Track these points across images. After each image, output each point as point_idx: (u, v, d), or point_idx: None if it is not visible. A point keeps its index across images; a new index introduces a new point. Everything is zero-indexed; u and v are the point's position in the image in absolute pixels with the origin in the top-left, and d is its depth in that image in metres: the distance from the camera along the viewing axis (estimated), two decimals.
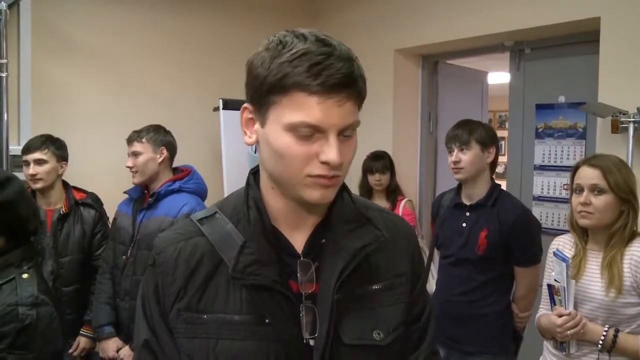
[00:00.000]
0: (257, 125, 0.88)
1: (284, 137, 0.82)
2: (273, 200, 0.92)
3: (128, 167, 2.43)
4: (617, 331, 1.71)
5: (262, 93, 0.83)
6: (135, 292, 2.30)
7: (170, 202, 2.37)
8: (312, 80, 0.79)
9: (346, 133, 0.84)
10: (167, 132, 2.52)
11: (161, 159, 2.44)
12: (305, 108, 0.80)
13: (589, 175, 1.78)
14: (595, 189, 1.76)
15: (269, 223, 0.91)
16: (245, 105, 0.89)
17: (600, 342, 1.70)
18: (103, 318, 2.44)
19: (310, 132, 0.82)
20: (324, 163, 0.82)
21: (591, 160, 1.83)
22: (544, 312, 1.93)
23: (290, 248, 0.92)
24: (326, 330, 0.87)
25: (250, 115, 0.89)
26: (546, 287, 1.89)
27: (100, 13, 3.29)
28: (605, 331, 1.71)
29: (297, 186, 0.85)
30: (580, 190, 1.80)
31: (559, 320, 1.75)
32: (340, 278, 0.88)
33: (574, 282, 1.77)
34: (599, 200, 1.75)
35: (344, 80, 0.80)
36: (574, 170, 1.86)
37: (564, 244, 1.93)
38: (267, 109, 0.84)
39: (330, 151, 0.81)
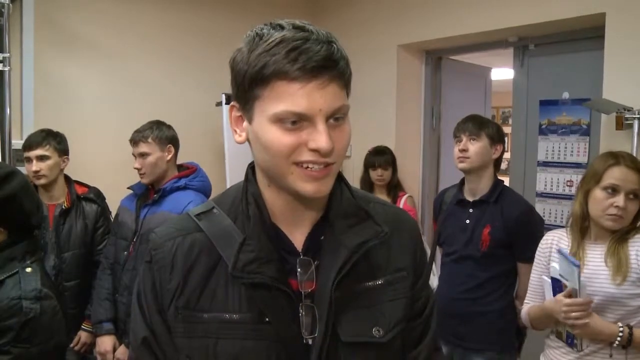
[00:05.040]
0: (245, 123, 0.86)
1: (271, 129, 0.80)
2: (271, 197, 0.90)
3: (136, 168, 2.40)
4: (630, 327, 1.66)
5: (245, 88, 0.82)
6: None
7: (175, 198, 2.35)
8: (291, 66, 0.77)
9: (337, 116, 0.81)
10: (169, 127, 2.49)
11: (169, 156, 2.42)
12: (288, 96, 0.78)
13: (629, 178, 1.69)
14: (633, 193, 1.69)
15: (269, 220, 0.89)
16: (232, 103, 0.87)
17: (618, 341, 1.66)
18: (102, 314, 2.44)
19: (296, 121, 0.79)
20: (314, 151, 0.80)
21: (626, 160, 1.72)
22: (535, 304, 1.90)
23: (290, 245, 0.90)
24: (324, 329, 0.85)
25: (238, 114, 0.87)
26: (537, 282, 1.87)
27: (103, 7, 3.28)
28: (620, 330, 1.66)
29: (288, 178, 0.82)
30: (613, 190, 1.71)
31: (567, 300, 1.66)
32: (338, 276, 0.86)
33: (585, 282, 1.71)
34: (633, 206, 1.69)
35: (324, 62, 0.78)
36: (605, 165, 1.74)
37: (559, 238, 1.89)
38: (252, 105, 0.82)
39: (320, 138, 0.79)
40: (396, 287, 0.93)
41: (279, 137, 0.80)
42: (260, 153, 0.85)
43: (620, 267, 1.68)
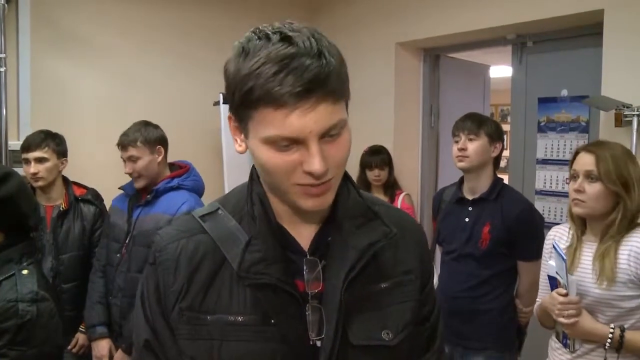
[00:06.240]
0: (243, 135, 0.85)
1: (264, 150, 0.79)
2: (275, 201, 0.89)
3: (128, 173, 2.37)
4: (623, 330, 1.63)
5: (236, 107, 0.80)
6: (129, 289, 2.27)
7: (169, 199, 2.32)
8: (278, 90, 0.73)
9: (331, 133, 0.78)
10: (157, 127, 2.44)
11: (160, 158, 2.39)
12: (277, 121, 0.75)
13: (584, 161, 1.71)
14: (590, 176, 1.69)
15: (274, 219, 0.88)
16: (229, 114, 0.86)
17: (608, 343, 1.63)
18: (95, 318, 2.42)
19: (288, 144, 0.77)
20: (308, 173, 0.78)
21: (590, 145, 1.76)
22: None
23: (295, 245, 0.89)
24: (333, 330, 0.84)
25: (236, 124, 0.85)
26: (546, 278, 1.87)
27: (100, 7, 3.27)
28: (611, 332, 1.63)
29: (289, 194, 0.82)
30: (576, 176, 1.74)
31: (561, 298, 1.66)
32: (348, 277, 0.85)
33: (575, 279, 1.70)
34: (592, 188, 1.68)
35: (312, 85, 0.73)
36: (573, 155, 1.79)
37: (561, 234, 1.88)
38: (245, 123, 0.81)
39: (312, 161, 0.76)
40: (404, 290, 0.92)
41: (274, 158, 0.79)
42: (259, 167, 0.85)
43: (603, 271, 1.66)
